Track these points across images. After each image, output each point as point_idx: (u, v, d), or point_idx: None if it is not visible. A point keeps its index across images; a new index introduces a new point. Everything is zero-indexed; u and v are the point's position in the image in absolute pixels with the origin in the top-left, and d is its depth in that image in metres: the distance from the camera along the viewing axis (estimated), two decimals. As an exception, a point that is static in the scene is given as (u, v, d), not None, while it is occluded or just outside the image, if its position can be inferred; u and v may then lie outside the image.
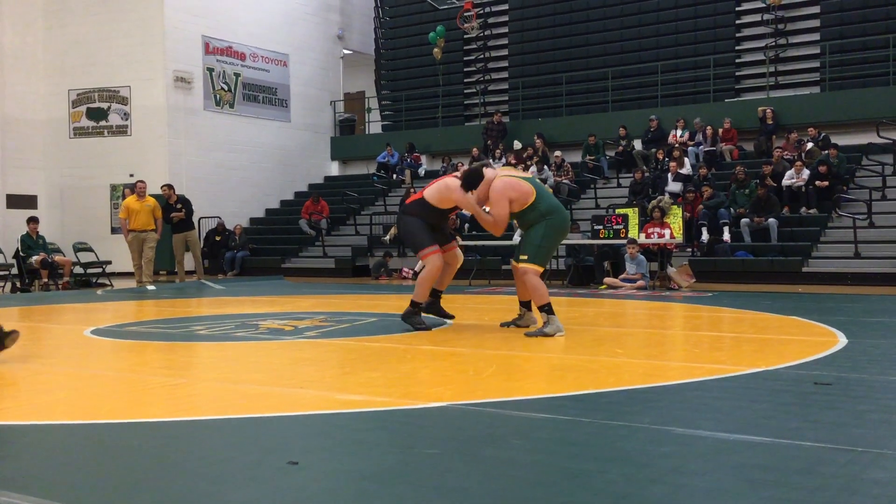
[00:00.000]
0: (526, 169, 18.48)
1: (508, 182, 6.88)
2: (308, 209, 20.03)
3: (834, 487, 2.59)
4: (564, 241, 15.16)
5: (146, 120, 19.64)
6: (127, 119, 19.79)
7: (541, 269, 6.92)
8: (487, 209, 7.10)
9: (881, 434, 3.31)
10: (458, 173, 7.26)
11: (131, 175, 16.19)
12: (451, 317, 7.69)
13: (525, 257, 6.89)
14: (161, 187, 15.53)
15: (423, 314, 7.33)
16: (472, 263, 15.99)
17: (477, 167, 7.10)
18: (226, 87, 21.09)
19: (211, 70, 20.68)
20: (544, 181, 17.86)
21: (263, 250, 19.93)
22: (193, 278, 15.43)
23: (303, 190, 22.77)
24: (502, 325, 7.39)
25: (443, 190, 7.18)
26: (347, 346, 6.26)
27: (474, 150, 19.99)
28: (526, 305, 7.30)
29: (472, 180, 6.92)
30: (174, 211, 15.04)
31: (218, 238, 19.58)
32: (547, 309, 6.73)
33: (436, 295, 7.59)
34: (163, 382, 4.65)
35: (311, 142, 23.53)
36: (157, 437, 3.46)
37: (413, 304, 7.19)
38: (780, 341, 6.37)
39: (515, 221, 7.12)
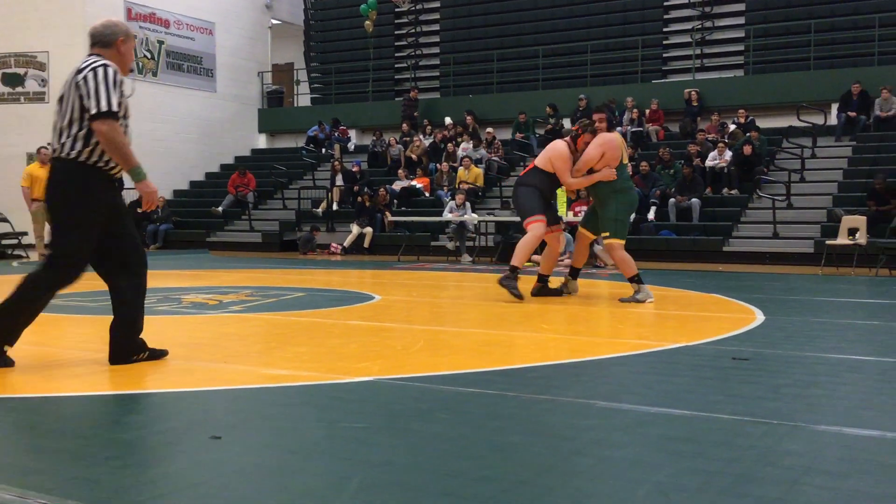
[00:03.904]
0: (457, 146, 18.49)
1: (606, 142, 7.43)
2: (234, 182, 19.67)
3: (749, 459, 2.67)
4: (494, 219, 15.30)
5: (65, 87, 18.95)
6: (45, 86, 19.07)
7: (623, 242, 7.45)
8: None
9: (795, 407, 3.42)
10: (567, 138, 7.73)
11: (49, 143, 15.64)
12: (560, 293, 7.78)
13: (608, 233, 7.43)
14: None
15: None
16: (402, 239, 15.97)
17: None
18: (149, 55, 20.49)
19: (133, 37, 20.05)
20: (479, 161, 17.93)
21: (187, 223, 19.52)
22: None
23: (229, 162, 22.34)
24: (622, 300, 7.48)
25: (548, 151, 7.64)
26: (273, 320, 6.19)
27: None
28: (574, 274, 7.83)
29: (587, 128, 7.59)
30: None
31: (139, 210, 19.09)
32: (637, 279, 7.37)
33: (543, 280, 7.78)
34: (81, 357, 4.52)
35: (238, 113, 23.08)
36: (76, 412, 3.37)
37: (511, 268, 7.43)
38: (701, 318, 6.54)
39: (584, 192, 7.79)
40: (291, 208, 19.22)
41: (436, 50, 22.69)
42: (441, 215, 15.50)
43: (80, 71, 4.04)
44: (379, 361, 4.41)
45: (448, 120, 20.12)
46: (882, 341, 5.36)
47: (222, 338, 5.34)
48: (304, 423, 3.16)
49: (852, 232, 12.24)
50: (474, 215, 15.23)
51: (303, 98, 24.77)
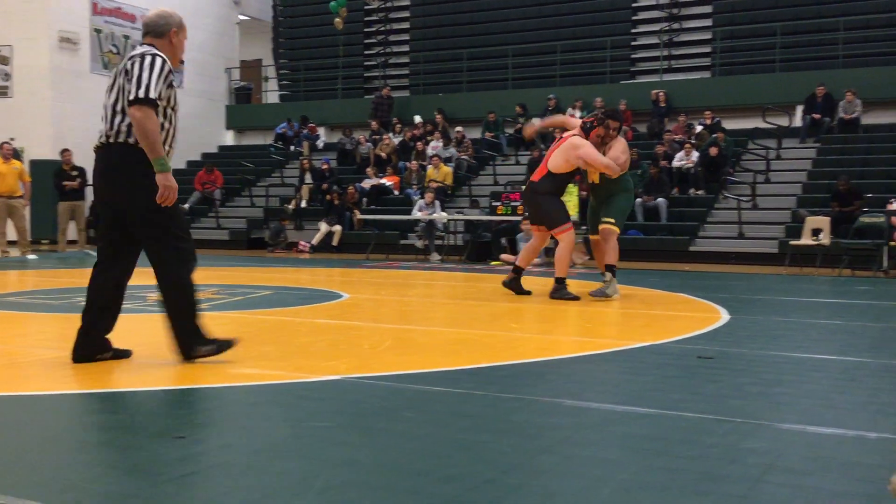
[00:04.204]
0: (426, 144, 18.48)
1: (626, 145, 7.90)
2: (201, 179, 19.49)
3: (713, 456, 2.69)
4: (463, 217, 15.31)
5: (29, 81, 18.67)
6: (8, 80, 18.78)
7: (618, 232, 7.78)
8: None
9: (759, 406, 3.45)
10: (574, 132, 7.81)
11: (12, 139, 15.39)
12: (529, 293, 7.86)
13: (612, 220, 7.66)
14: (62, 152, 14.86)
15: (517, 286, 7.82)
16: (371, 238, 15.93)
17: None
18: (115, 50, 20.25)
19: (99, 31, 19.80)
20: (449, 159, 17.93)
21: (154, 220, 19.29)
22: (75, 248, 14.84)
23: (195, 159, 22.13)
24: (591, 294, 7.69)
25: (568, 150, 7.65)
26: (241, 318, 6.13)
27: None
28: (610, 270, 7.82)
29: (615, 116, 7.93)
30: (68, 178, 14.39)
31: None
32: (614, 270, 7.65)
33: (518, 272, 7.90)
34: (44, 355, 4.45)
35: (205, 109, 22.86)
36: (38, 411, 3.32)
37: (557, 280, 7.60)
38: (667, 317, 6.59)
39: (591, 186, 7.91)
40: (259, 206, 19.10)
41: (405, 48, 22.66)
42: (410, 214, 15.48)
43: (130, 58, 4.07)
44: (346, 360, 4.39)
45: (418, 118, 20.10)
46: (844, 341, 5.44)
47: (187, 336, 5.27)
48: (269, 423, 3.13)
49: (816, 232, 12.42)
50: (443, 214, 15.24)
51: (271, 95, 24.61)
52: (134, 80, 3.97)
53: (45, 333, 5.48)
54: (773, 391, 3.74)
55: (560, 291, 7.55)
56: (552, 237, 8.04)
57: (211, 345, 4.20)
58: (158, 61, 4.05)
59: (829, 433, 3.01)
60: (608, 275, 7.65)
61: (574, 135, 7.76)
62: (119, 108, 4.06)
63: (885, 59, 17.19)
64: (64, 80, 19.01)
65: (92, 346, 4.18)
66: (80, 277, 10.11)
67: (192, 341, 4.16)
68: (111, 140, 4.08)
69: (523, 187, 8.86)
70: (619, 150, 7.71)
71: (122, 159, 4.06)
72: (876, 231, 12.09)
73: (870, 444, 2.88)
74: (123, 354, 4.30)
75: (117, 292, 4.24)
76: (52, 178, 14.77)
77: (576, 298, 7.48)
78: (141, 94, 3.94)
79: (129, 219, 4.12)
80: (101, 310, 4.18)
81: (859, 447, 2.85)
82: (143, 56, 4.05)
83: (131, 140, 4.03)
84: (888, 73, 16.73)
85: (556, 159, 7.71)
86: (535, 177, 7.91)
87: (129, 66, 4.03)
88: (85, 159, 16.28)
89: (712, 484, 2.42)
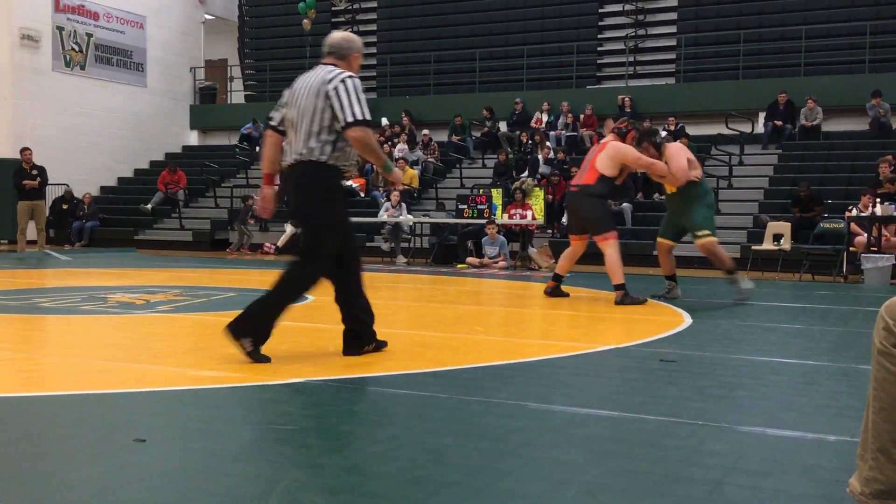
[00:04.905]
0: (393, 147, 18.45)
1: (683, 146, 7.92)
2: (164, 179, 19.29)
3: (674, 459, 2.71)
4: (429, 220, 15.30)
5: (-12, 78, 18.35)
6: (-33, 76, 18.43)
7: (716, 240, 7.94)
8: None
9: (720, 408, 3.49)
10: (610, 137, 7.81)
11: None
12: (567, 294, 8.06)
13: (707, 232, 7.83)
14: (22, 151, 14.62)
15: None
16: (336, 239, 15.85)
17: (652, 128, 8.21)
18: (77, 48, 19.96)
19: (61, 29, 19.51)
20: (415, 162, 17.91)
21: (115, 221, 19.07)
22: (35, 248, 14.59)
23: (159, 159, 21.89)
24: (653, 297, 7.91)
25: (615, 156, 7.61)
26: (203, 320, 6.07)
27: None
28: (672, 279, 8.06)
29: (649, 135, 7.87)
30: (28, 177, 14.16)
31: (65, 207, 18.60)
32: (733, 270, 7.95)
33: (558, 279, 8.00)
34: (1, 357, 4.37)
35: (169, 109, 22.62)
36: (-10, 415, 3.25)
37: (617, 287, 7.55)
38: (630, 320, 6.63)
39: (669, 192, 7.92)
40: (224, 207, 18.93)
41: (373, 50, 22.60)
42: (376, 216, 15.44)
43: (328, 82, 4.35)
44: (310, 363, 4.37)
45: (384, 121, 20.06)
46: (804, 344, 5.51)
47: (149, 338, 5.22)
48: (231, 426, 3.10)
49: (777, 238, 12.59)
50: (409, 216, 15.22)
51: (236, 95, 24.41)
52: (346, 104, 4.28)
53: (3, 335, 5.38)
54: (733, 394, 3.78)
55: (625, 297, 7.50)
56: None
57: (251, 347, 4.32)
58: (358, 84, 4.39)
59: (789, 436, 3.04)
60: (735, 276, 7.97)
61: (613, 140, 7.78)
62: (316, 129, 4.34)
63: (846, 68, 17.49)
64: (24, 78, 18.71)
65: (357, 339, 4.61)
66: (40, 278, 9.96)
67: (245, 328, 4.32)
68: (306, 158, 4.33)
69: (568, 190, 8.53)
70: (682, 157, 7.67)
71: (317, 178, 4.36)
72: (836, 237, 12.29)
73: (829, 447, 2.92)
74: (381, 345, 4.72)
75: (345, 301, 4.64)
76: (12, 177, 14.53)
77: (643, 302, 7.50)
78: (358, 116, 4.28)
79: (301, 224, 4.53)
80: (351, 312, 4.63)
81: (818, 449, 2.89)
82: (343, 80, 4.34)
83: (323, 158, 4.31)
84: (848, 81, 17.03)
85: (607, 163, 7.66)
86: (586, 180, 7.74)
87: (331, 92, 4.30)
88: (45, 158, 16.08)
89: (673, 486, 2.43)
